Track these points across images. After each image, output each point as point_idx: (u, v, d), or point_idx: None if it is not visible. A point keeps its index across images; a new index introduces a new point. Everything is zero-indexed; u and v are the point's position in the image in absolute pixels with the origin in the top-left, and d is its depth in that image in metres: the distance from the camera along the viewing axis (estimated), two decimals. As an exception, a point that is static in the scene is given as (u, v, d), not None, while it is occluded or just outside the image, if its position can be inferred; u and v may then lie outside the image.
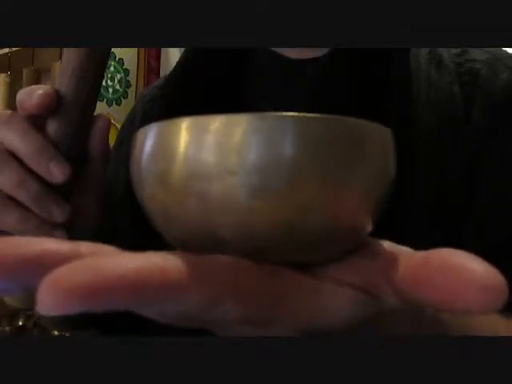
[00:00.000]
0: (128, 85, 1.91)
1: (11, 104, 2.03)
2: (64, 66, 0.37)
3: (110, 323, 0.43)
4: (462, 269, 0.17)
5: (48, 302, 0.14)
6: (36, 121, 0.36)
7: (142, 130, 0.21)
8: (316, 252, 0.20)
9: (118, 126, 0.62)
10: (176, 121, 0.20)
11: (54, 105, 0.35)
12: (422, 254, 0.19)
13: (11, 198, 0.35)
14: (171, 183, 0.20)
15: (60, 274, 0.14)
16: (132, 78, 1.91)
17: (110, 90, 1.87)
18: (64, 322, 0.51)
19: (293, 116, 0.19)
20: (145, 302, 0.15)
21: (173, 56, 1.88)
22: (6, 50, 2.04)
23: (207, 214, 0.19)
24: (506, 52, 0.48)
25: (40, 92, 0.35)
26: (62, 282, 0.14)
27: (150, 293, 0.15)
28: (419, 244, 0.22)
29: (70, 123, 0.36)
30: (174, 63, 0.54)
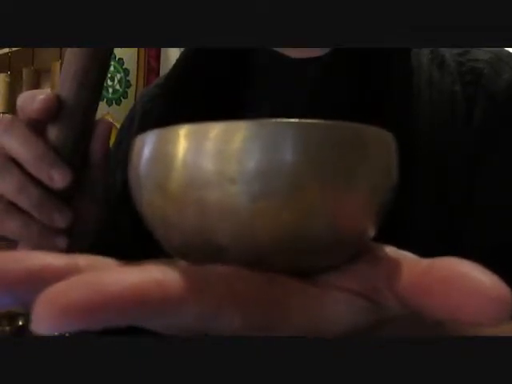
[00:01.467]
0: (128, 85, 1.90)
1: (11, 104, 2.03)
2: (65, 71, 0.36)
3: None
4: (467, 279, 0.17)
5: (43, 320, 0.13)
6: (37, 125, 0.36)
7: (140, 137, 0.21)
8: (318, 259, 0.20)
9: (118, 126, 0.62)
10: (174, 128, 0.20)
11: (56, 110, 0.35)
12: (425, 262, 0.19)
13: (12, 204, 0.35)
14: (170, 191, 0.19)
15: (56, 290, 0.14)
16: (132, 77, 1.91)
17: (110, 89, 1.87)
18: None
19: (293, 122, 0.19)
20: (144, 317, 0.15)
21: (173, 56, 1.88)
22: (6, 49, 2.04)
23: (206, 221, 0.19)
24: (508, 52, 0.48)
25: (41, 97, 0.35)
26: (57, 300, 0.14)
27: (148, 308, 0.15)
28: (419, 245, 0.22)
29: (71, 128, 0.36)
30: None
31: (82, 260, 0.17)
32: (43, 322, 0.13)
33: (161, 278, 0.15)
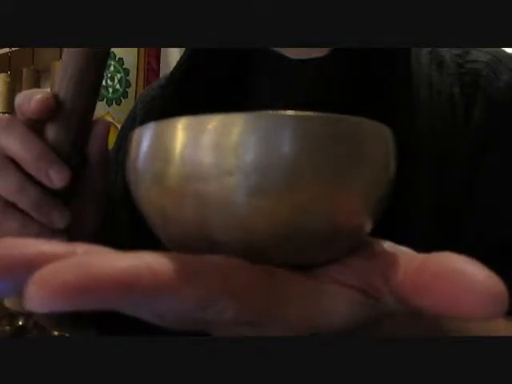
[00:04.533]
0: (128, 84, 1.90)
1: (11, 104, 2.03)
2: (62, 70, 0.36)
3: (110, 323, 0.43)
4: (462, 274, 0.17)
5: (35, 298, 0.14)
6: (35, 125, 0.36)
7: (138, 130, 0.21)
8: (315, 253, 0.20)
9: (118, 126, 0.62)
10: (172, 120, 0.20)
11: (53, 110, 0.35)
12: (421, 257, 0.19)
13: (11, 204, 0.35)
14: (168, 184, 0.20)
15: (48, 271, 0.14)
16: (132, 77, 1.91)
17: (110, 89, 1.87)
18: (63, 321, 0.51)
19: (291, 115, 0.19)
20: (134, 301, 0.15)
21: (173, 56, 1.88)
22: (6, 49, 2.04)
23: (204, 215, 0.19)
24: (507, 53, 0.48)
25: (38, 97, 0.35)
26: (49, 280, 0.14)
27: (139, 292, 0.15)
28: (419, 244, 0.22)
29: (69, 128, 0.36)
30: (174, 63, 0.54)
31: (80, 248, 0.17)
32: (35, 301, 0.14)
33: (153, 263, 0.15)
